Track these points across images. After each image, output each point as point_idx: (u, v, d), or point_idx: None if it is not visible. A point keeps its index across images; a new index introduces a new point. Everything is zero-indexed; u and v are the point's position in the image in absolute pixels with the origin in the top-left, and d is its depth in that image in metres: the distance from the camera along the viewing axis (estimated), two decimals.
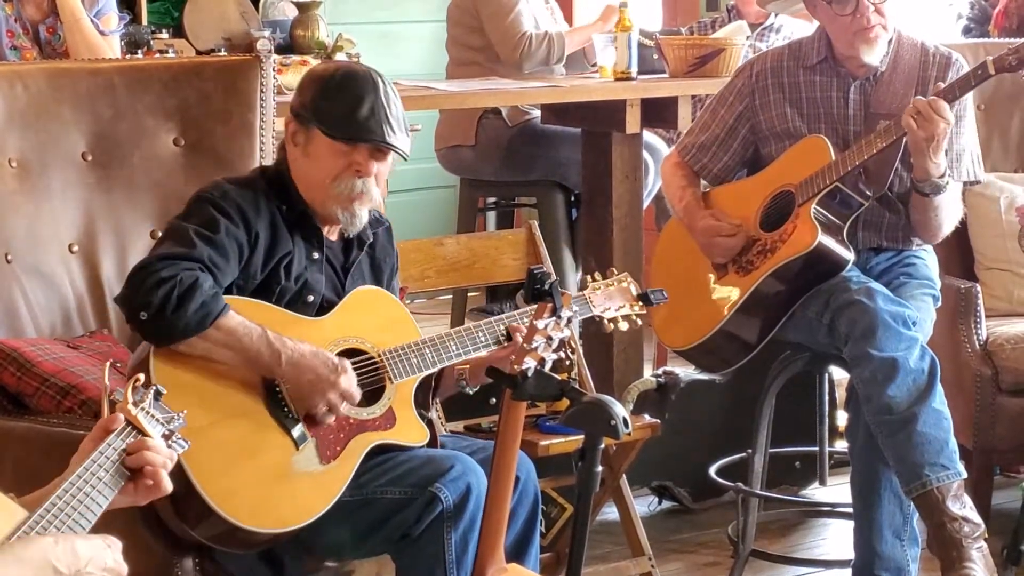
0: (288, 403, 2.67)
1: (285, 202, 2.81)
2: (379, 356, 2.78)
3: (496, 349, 2.88)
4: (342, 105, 2.77)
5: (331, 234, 2.89)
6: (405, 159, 2.86)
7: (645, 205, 4.83)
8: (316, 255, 2.83)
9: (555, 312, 2.68)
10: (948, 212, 3.52)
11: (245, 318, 2.65)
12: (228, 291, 2.72)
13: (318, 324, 2.77)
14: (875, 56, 3.53)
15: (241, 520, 2.58)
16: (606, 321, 3.04)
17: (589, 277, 3.08)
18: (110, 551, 1.90)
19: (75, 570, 1.84)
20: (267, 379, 2.68)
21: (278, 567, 2.78)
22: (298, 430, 2.66)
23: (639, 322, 3.07)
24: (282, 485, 2.64)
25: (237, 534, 2.61)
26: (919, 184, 3.44)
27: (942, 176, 3.42)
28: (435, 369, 2.84)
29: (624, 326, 3.05)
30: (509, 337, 2.88)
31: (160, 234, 2.89)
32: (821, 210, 3.46)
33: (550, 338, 2.60)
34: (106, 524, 1.99)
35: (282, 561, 2.78)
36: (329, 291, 2.84)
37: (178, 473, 2.48)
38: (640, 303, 3.07)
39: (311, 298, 2.80)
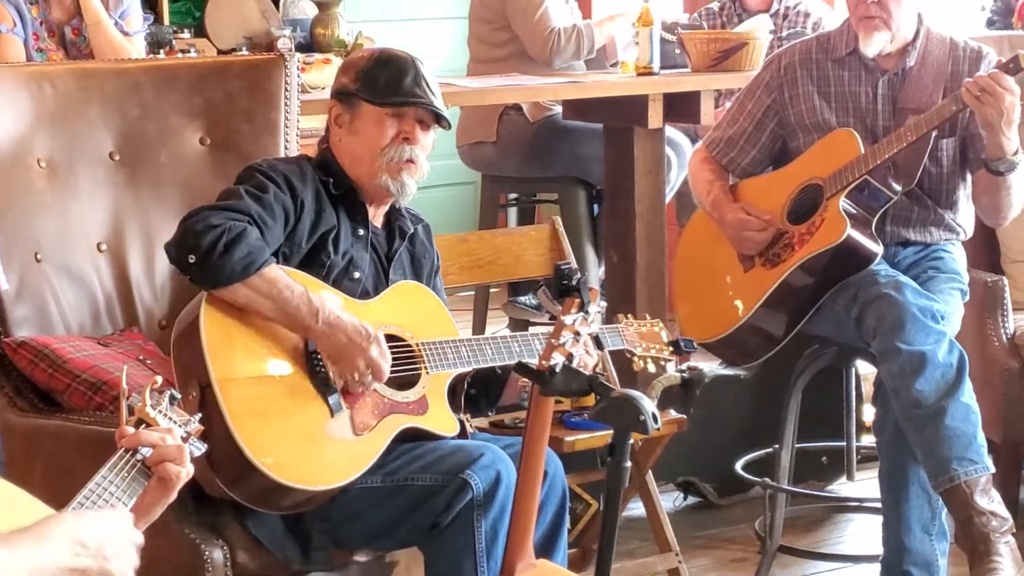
0: (328, 372, 2.72)
1: (331, 177, 2.90)
2: (417, 346, 2.83)
3: None
4: (386, 76, 2.89)
5: (376, 219, 2.96)
6: (447, 127, 2.96)
7: (667, 200, 4.83)
8: (361, 232, 2.90)
9: (583, 308, 2.68)
10: (1019, 191, 3.50)
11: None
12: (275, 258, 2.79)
13: (363, 307, 2.83)
14: (872, 48, 3.53)
15: (273, 472, 2.61)
16: (636, 357, 3.08)
17: (620, 316, 3.12)
18: (127, 522, 1.93)
19: (98, 542, 1.87)
20: (308, 347, 2.73)
21: (304, 540, 2.79)
22: (334, 399, 2.72)
23: (666, 368, 3.12)
24: (315, 446, 2.68)
25: (266, 487, 2.63)
26: (993, 163, 3.43)
27: (1016, 152, 3.40)
28: (469, 368, 2.88)
29: (652, 367, 3.08)
30: None
31: None
32: (850, 203, 3.46)
33: (578, 333, 2.60)
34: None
35: (309, 535, 2.79)
36: (373, 273, 2.90)
37: (217, 422, 2.55)
38: (670, 349, 3.10)
39: (357, 274, 2.87)
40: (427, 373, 2.82)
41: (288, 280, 2.73)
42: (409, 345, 2.83)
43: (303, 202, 2.83)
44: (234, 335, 2.69)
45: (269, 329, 2.73)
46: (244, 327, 2.71)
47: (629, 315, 3.14)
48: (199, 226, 2.69)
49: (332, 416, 2.71)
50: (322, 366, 2.73)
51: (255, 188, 2.79)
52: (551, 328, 2.90)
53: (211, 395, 2.60)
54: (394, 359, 2.79)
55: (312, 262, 2.83)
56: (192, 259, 2.68)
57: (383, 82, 2.88)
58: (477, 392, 2.97)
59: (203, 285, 2.71)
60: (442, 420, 2.84)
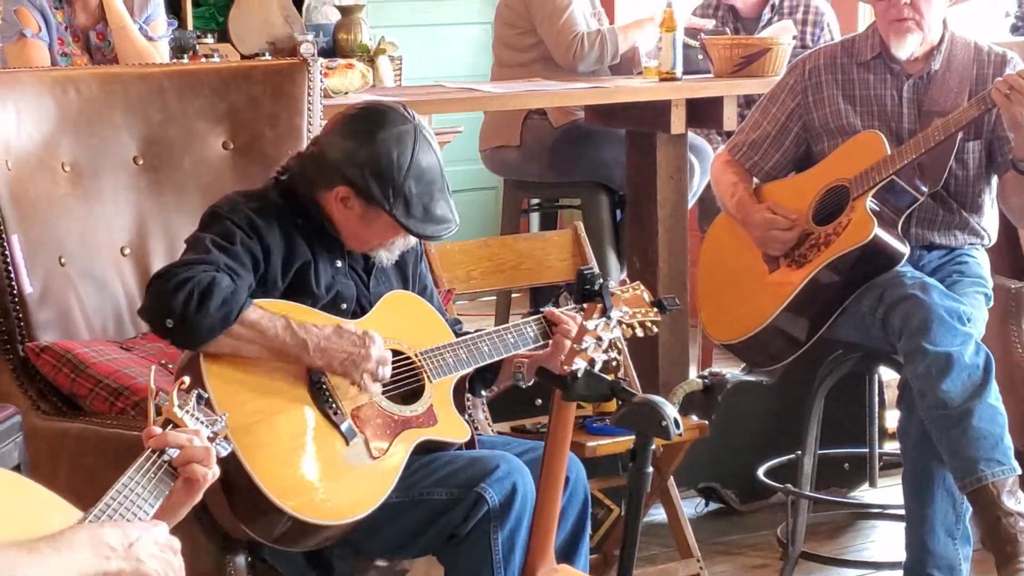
0: (335, 400, 2.69)
1: (301, 215, 2.81)
2: (416, 356, 2.80)
3: (537, 349, 2.90)
4: (419, 200, 2.76)
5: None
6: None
7: (689, 206, 4.82)
8: (339, 263, 2.84)
9: (605, 313, 2.69)
10: None
11: (268, 310, 2.66)
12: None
13: (356, 326, 2.76)
14: (905, 51, 3.53)
15: (300, 512, 2.58)
16: (623, 326, 3.04)
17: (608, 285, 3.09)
18: (158, 528, 1.93)
19: (127, 545, 1.87)
20: (312, 376, 2.69)
21: (327, 570, 2.79)
22: (347, 426, 2.68)
23: (654, 329, 3.08)
24: (336, 479, 2.65)
25: (294, 528, 2.61)
26: (1021, 164, 3.43)
27: None
28: (470, 369, 2.86)
29: (640, 332, 3.06)
30: (546, 335, 2.89)
31: None
32: (876, 204, 3.46)
33: (600, 338, 2.60)
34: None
35: (330, 563, 2.79)
36: (356, 296, 2.85)
37: (236, 469, 2.51)
38: (655, 310, 3.07)
39: (344, 306, 2.82)
40: (430, 382, 2.79)
41: (270, 317, 2.65)
42: (409, 357, 2.79)
43: (269, 246, 2.75)
44: (237, 379, 2.63)
45: (269, 365, 2.66)
46: (245, 368, 2.64)
47: (610, 280, 3.09)
48: (168, 286, 2.61)
49: (347, 444, 2.67)
50: (329, 395, 2.69)
51: (221, 238, 2.70)
52: (540, 315, 2.92)
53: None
54: (396, 373, 2.76)
55: (294, 300, 2.76)
56: (170, 323, 2.60)
57: (419, 212, 2.75)
58: (473, 377, 2.94)
59: (187, 345, 2.65)
60: (453, 427, 2.81)
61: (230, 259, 2.68)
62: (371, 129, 2.78)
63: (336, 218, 2.80)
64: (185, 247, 2.76)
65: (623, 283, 3.10)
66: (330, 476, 2.65)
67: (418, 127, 2.80)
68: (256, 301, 2.67)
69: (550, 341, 2.90)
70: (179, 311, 2.59)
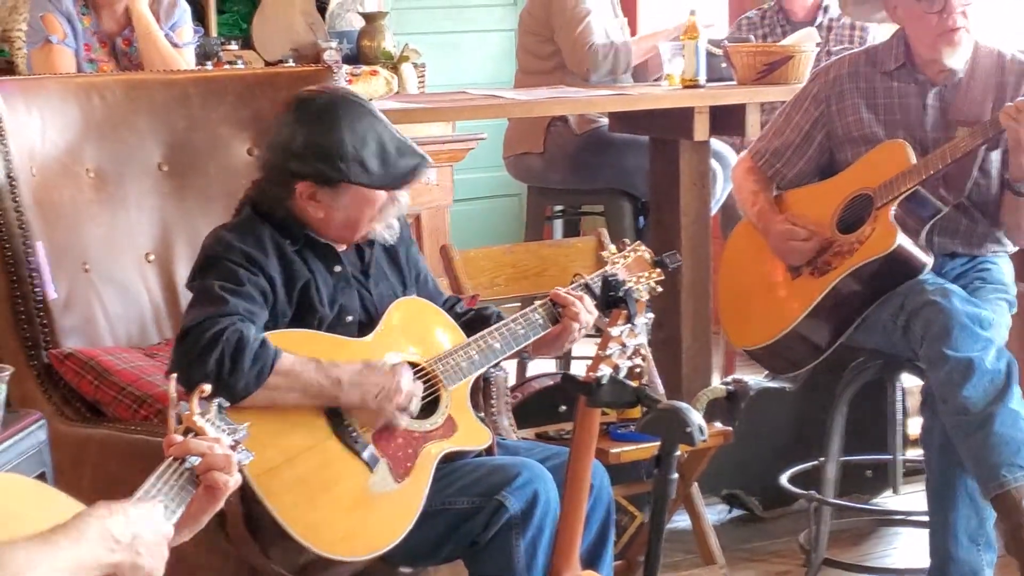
0: (354, 428, 2.68)
1: (287, 236, 2.79)
2: (430, 366, 2.79)
3: (548, 332, 2.89)
4: (371, 155, 2.74)
5: (340, 245, 2.87)
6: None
7: (713, 213, 4.82)
8: (338, 268, 2.83)
9: (630, 319, 2.68)
10: None
11: (295, 354, 2.64)
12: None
13: (366, 345, 2.76)
14: (957, 59, 3.51)
15: (334, 552, 2.58)
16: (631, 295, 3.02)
17: (607, 253, 3.07)
18: (158, 516, 1.93)
19: (131, 536, 1.87)
20: (329, 407, 2.68)
21: None
22: (368, 453, 2.66)
23: (659, 289, 3.05)
24: (364, 510, 2.64)
25: (330, 567, 2.61)
26: (1016, 184, 3.43)
27: None
28: (483, 369, 2.85)
29: (645, 296, 3.03)
30: (554, 320, 2.88)
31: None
32: (900, 213, 3.45)
33: (625, 345, 2.60)
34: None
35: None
36: (359, 300, 2.85)
37: (264, 515, 2.52)
38: (657, 269, 3.05)
39: (350, 318, 2.81)
40: (446, 390, 2.78)
41: (302, 363, 2.63)
42: (423, 368, 2.78)
43: (272, 277, 2.73)
44: (255, 413, 2.57)
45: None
46: (260, 410, 2.60)
47: (612, 246, 3.07)
48: (196, 349, 2.58)
49: (372, 472, 2.65)
50: (348, 421, 2.67)
51: (229, 282, 2.67)
52: (546, 299, 2.91)
53: (251, 493, 2.53)
54: None
55: (301, 323, 2.75)
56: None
57: (371, 164, 2.73)
58: None
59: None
60: (473, 433, 2.81)
61: (245, 302, 2.66)
62: (295, 119, 2.77)
63: (315, 219, 2.79)
64: (192, 297, 2.73)
65: (622, 244, 3.08)
66: (359, 508, 2.63)
67: (338, 94, 2.78)
68: (273, 335, 2.65)
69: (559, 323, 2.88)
70: (213, 373, 2.55)
